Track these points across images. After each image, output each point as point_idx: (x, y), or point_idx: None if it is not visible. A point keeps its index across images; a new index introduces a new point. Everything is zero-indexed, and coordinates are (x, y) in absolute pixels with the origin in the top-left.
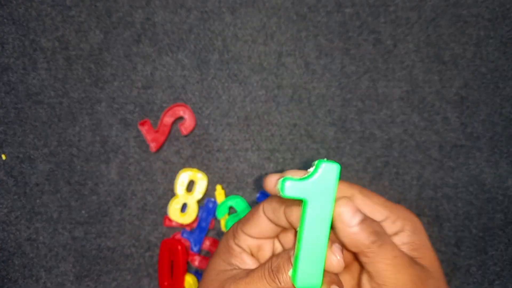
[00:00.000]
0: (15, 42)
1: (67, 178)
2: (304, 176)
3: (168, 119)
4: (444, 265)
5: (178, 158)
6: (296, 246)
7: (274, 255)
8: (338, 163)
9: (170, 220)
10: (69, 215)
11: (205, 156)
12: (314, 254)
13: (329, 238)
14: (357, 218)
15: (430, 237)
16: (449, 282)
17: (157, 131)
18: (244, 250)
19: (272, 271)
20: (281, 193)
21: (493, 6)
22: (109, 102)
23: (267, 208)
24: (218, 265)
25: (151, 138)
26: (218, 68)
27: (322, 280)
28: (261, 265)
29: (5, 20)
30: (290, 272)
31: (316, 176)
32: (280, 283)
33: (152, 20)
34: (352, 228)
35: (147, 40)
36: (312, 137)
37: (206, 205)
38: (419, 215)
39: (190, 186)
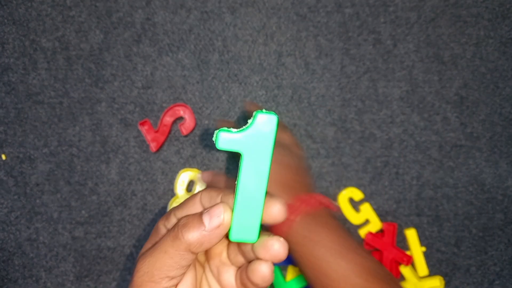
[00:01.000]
0: (16, 42)
1: (67, 178)
2: (241, 128)
3: (168, 119)
4: (444, 265)
5: (178, 158)
6: (232, 202)
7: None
8: (276, 114)
9: None
10: (69, 215)
11: (205, 156)
12: (250, 208)
13: (266, 192)
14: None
15: (430, 236)
16: (448, 282)
17: (157, 131)
18: None
19: (178, 227)
20: (216, 145)
21: (493, 6)
22: (109, 102)
23: (204, 196)
24: (145, 248)
25: (151, 138)
26: (218, 68)
27: (259, 234)
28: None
29: (5, 20)
30: (199, 230)
31: (252, 127)
32: (184, 238)
33: (152, 20)
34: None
35: (147, 40)
36: (312, 137)
37: None
38: (419, 214)
39: (190, 186)
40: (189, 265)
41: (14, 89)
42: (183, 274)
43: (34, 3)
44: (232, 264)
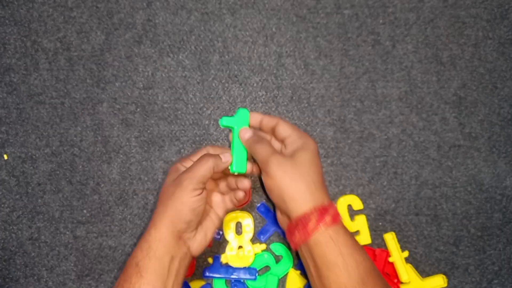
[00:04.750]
0: (17, 43)
1: (69, 177)
2: (233, 116)
3: None
4: (443, 264)
5: (179, 158)
6: (231, 151)
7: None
8: (247, 109)
9: None
10: (71, 215)
11: None
12: (240, 155)
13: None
14: (248, 133)
15: (429, 236)
16: (448, 282)
17: None
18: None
19: (212, 156)
20: (220, 123)
21: (492, 7)
22: (111, 103)
23: (210, 149)
24: (171, 179)
25: None
26: (219, 69)
27: (246, 168)
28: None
29: (7, 21)
30: (229, 166)
31: (237, 115)
32: (221, 164)
33: (153, 21)
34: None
35: (148, 41)
36: (312, 137)
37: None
38: (417, 214)
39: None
40: (206, 182)
41: (16, 89)
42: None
43: (35, 4)
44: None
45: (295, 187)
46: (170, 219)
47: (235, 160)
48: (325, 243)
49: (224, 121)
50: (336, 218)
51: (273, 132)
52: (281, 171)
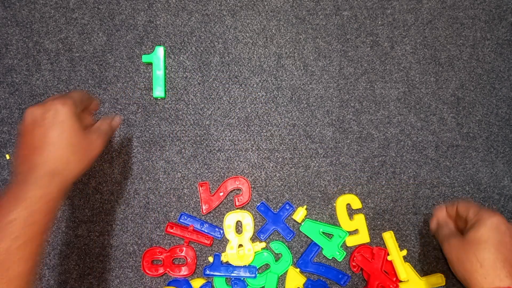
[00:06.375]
0: (19, 44)
1: None
2: (150, 54)
3: (226, 188)
4: (441, 263)
5: (180, 158)
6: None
7: None
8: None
9: (171, 226)
10: (73, 214)
11: (206, 155)
12: (160, 82)
13: (165, 76)
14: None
15: (427, 235)
16: (446, 280)
17: (212, 195)
18: None
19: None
20: (142, 59)
21: (490, 8)
22: (112, 103)
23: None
24: None
25: (205, 200)
26: (219, 70)
27: (166, 94)
28: None
29: (8, 22)
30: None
31: (155, 52)
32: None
33: (154, 22)
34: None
35: (149, 42)
36: (311, 137)
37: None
38: (415, 213)
39: (238, 227)
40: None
41: (18, 90)
42: None
43: (37, 5)
44: None
45: (463, 270)
46: None
47: (155, 88)
48: None
49: (144, 58)
50: None
51: (457, 215)
52: (452, 254)
